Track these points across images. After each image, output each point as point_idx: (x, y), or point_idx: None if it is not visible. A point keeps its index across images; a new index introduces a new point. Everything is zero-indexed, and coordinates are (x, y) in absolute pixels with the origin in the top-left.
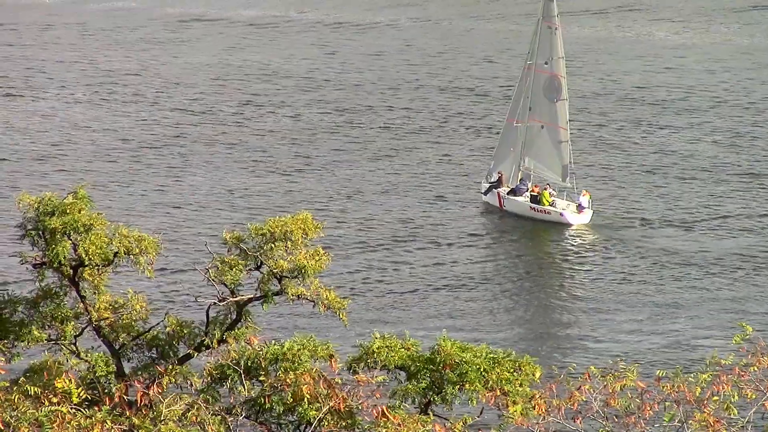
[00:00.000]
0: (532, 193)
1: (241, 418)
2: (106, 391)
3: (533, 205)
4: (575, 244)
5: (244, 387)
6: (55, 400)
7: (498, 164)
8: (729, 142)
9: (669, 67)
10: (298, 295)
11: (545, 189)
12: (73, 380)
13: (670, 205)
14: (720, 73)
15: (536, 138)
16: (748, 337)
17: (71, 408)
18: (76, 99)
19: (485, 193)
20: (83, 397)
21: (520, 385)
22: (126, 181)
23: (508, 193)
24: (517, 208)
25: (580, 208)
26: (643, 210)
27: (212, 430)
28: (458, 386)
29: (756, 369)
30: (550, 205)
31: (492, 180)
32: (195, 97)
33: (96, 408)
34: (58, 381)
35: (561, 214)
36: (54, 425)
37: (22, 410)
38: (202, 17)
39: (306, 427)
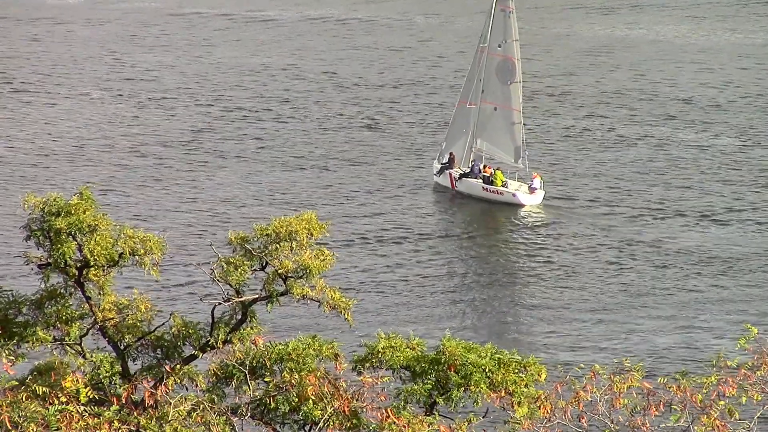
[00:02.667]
0: (484, 174)
1: (246, 417)
2: (113, 391)
3: (486, 186)
4: (548, 234)
5: (249, 387)
6: (63, 399)
7: (450, 145)
8: (706, 136)
9: (678, 63)
10: (304, 296)
11: (498, 169)
12: (80, 380)
13: (649, 195)
14: (729, 71)
15: (489, 120)
16: (753, 339)
17: (79, 408)
18: (100, 97)
19: (437, 174)
20: (91, 396)
21: (526, 386)
22: (150, 178)
23: (462, 176)
24: (470, 189)
25: (531, 189)
26: (597, 195)
27: (217, 430)
28: (463, 387)
29: (765, 371)
30: (503, 186)
31: (443, 161)
32: (217, 95)
33: (103, 408)
34: (66, 381)
35: (513, 195)
36: (62, 425)
37: (31, 410)
38: (224, 15)
39: (311, 427)
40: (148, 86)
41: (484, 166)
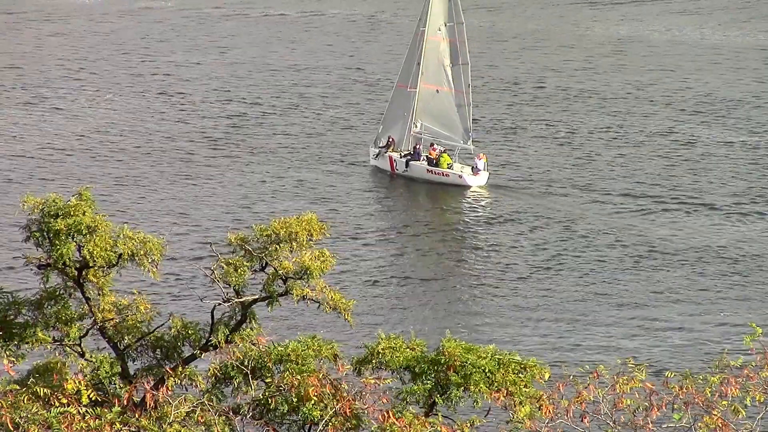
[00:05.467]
0: (429, 156)
1: (246, 418)
2: (114, 392)
3: (431, 168)
4: (529, 228)
5: (250, 387)
6: (64, 401)
7: (387, 129)
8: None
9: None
10: (304, 296)
11: (444, 152)
12: (82, 381)
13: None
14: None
15: (432, 102)
16: (757, 338)
17: (81, 409)
18: (114, 96)
19: (375, 157)
20: (93, 398)
21: (525, 386)
22: (164, 176)
23: (405, 157)
24: (414, 171)
25: (475, 170)
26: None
27: (217, 430)
28: (463, 388)
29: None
30: (449, 168)
31: (381, 145)
32: (232, 93)
33: (105, 409)
34: (68, 382)
35: (460, 176)
36: (63, 426)
37: (32, 411)
38: (240, 14)
39: (310, 428)
40: (162, 84)
41: (431, 146)
